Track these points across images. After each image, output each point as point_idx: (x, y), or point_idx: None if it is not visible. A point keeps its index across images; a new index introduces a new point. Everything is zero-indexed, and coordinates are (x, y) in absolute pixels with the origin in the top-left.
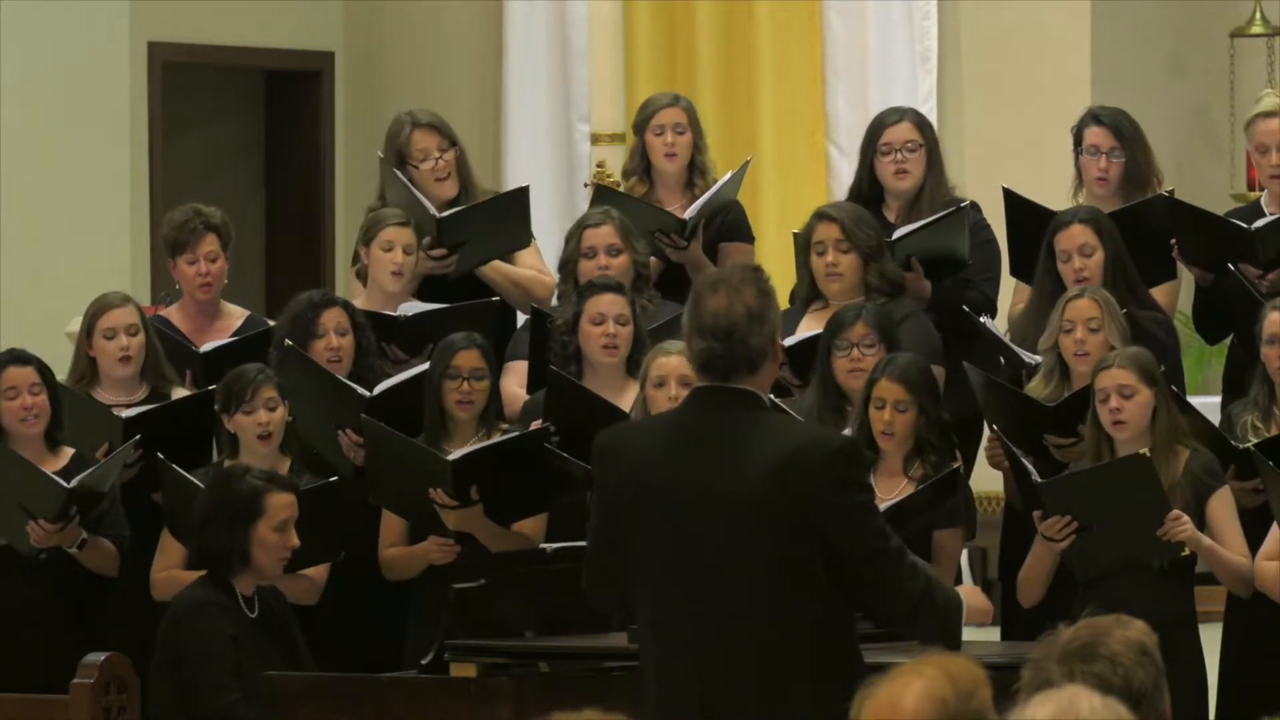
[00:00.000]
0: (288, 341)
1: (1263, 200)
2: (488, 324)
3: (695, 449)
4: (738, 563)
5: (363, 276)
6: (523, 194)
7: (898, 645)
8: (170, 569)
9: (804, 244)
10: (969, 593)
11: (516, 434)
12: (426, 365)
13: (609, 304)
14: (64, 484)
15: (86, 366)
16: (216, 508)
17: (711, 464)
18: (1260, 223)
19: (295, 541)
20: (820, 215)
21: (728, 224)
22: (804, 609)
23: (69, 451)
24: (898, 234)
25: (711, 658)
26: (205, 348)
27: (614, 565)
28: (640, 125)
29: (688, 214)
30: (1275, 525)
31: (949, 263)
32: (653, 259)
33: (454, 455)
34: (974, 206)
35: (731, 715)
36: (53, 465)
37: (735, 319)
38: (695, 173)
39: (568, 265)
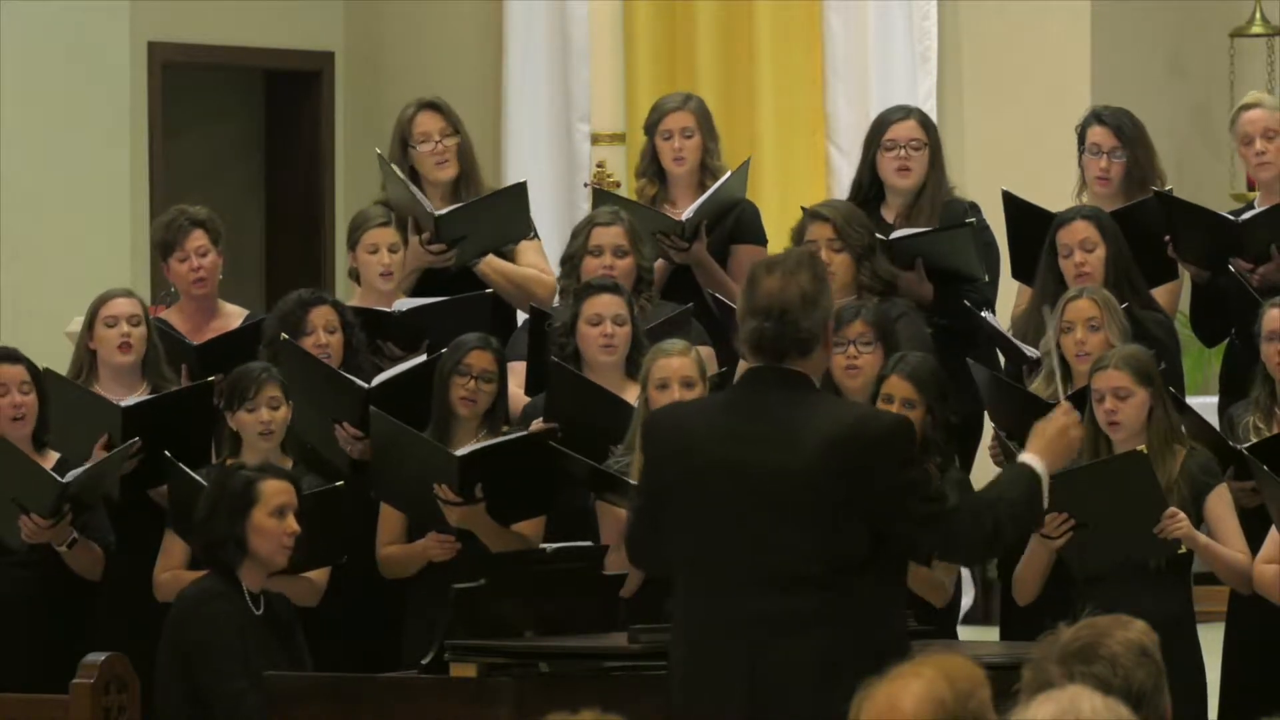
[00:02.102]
0: (283, 335)
1: (1257, 200)
2: (483, 316)
3: (746, 428)
4: (788, 541)
5: (355, 276)
6: (521, 189)
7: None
8: (174, 569)
9: (796, 244)
10: (1039, 457)
11: (524, 433)
12: (424, 358)
13: (606, 304)
14: (58, 479)
15: (87, 360)
16: (214, 504)
17: (762, 443)
18: (1247, 215)
19: (294, 527)
20: (812, 214)
21: (740, 225)
22: (853, 587)
23: (54, 456)
24: (896, 234)
25: (760, 636)
26: (200, 342)
27: (656, 542)
28: (650, 128)
29: (685, 215)
30: (1274, 528)
31: (960, 277)
32: (659, 261)
33: (462, 451)
34: (973, 207)
35: (778, 694)
36: None
37: (789, 300)
38: (706, 174)
39: (572, 260)
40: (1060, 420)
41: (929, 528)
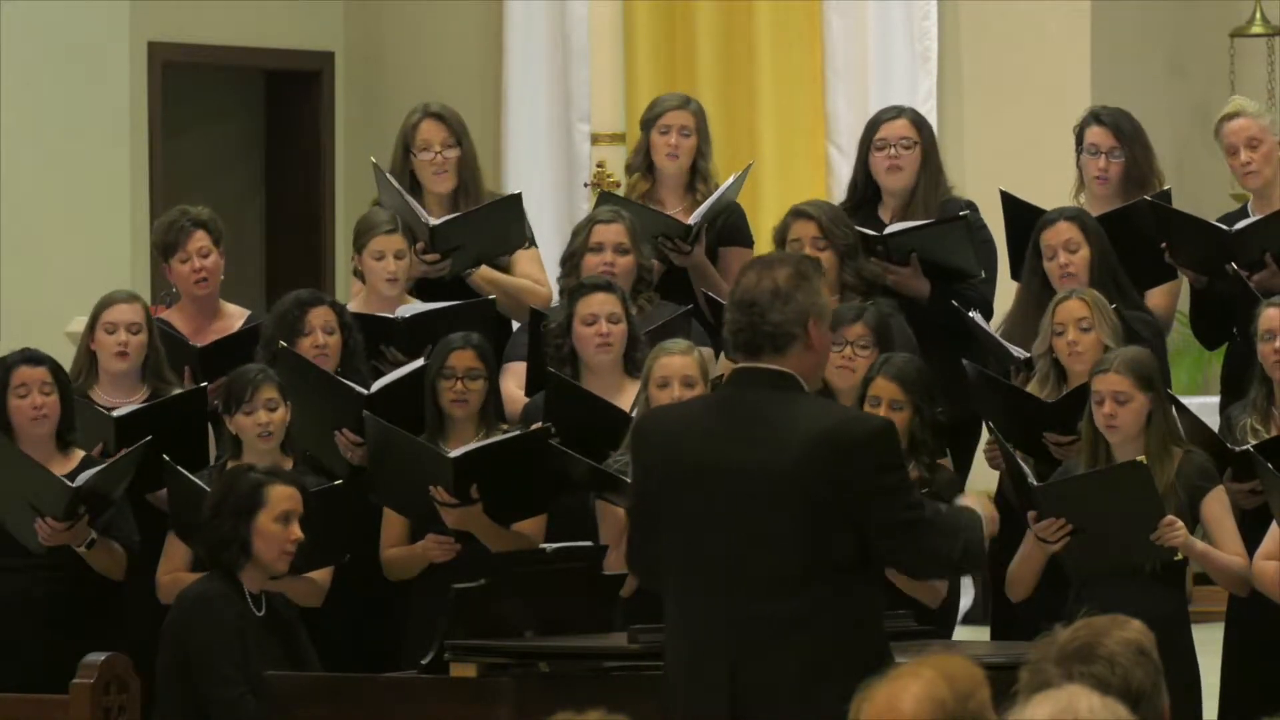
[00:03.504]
0: (282, 343)
1: (1250, 205)
2: (486, 322)
3: (730, 429)
4: (771, 542)
5: (359, 275)
6: (516, 200)
7: (904, 645)
8: (175, 571)
9: (779, 242)
10: (978, 504)
11: (518, 433)
12: (421, 362)
13: (600, 303)
14: (68, 483)
15: (87, 363)
16: (221, 503)
17: (745, 443)
18: (1240, 225)
19: (298, 535)
20: (797, 213)
21: (727, 228)
22: (838, 591)
23: (79, 454)
24: (890, 229)
25: (744, 639)
26: (203, 344)
27: (648, 549)
28: (647, 123)
29: (692, 219)
30: (1275, 525)
31: (957, 274)
32: (654, 261)
33: (455, 453)
34: (971, 206)
35: (762, 698)
36: (63, 467)
37: (758, 294)
38: (697, 176)
39: (573, 259)
40: (984, 509)
41: (906, 536)
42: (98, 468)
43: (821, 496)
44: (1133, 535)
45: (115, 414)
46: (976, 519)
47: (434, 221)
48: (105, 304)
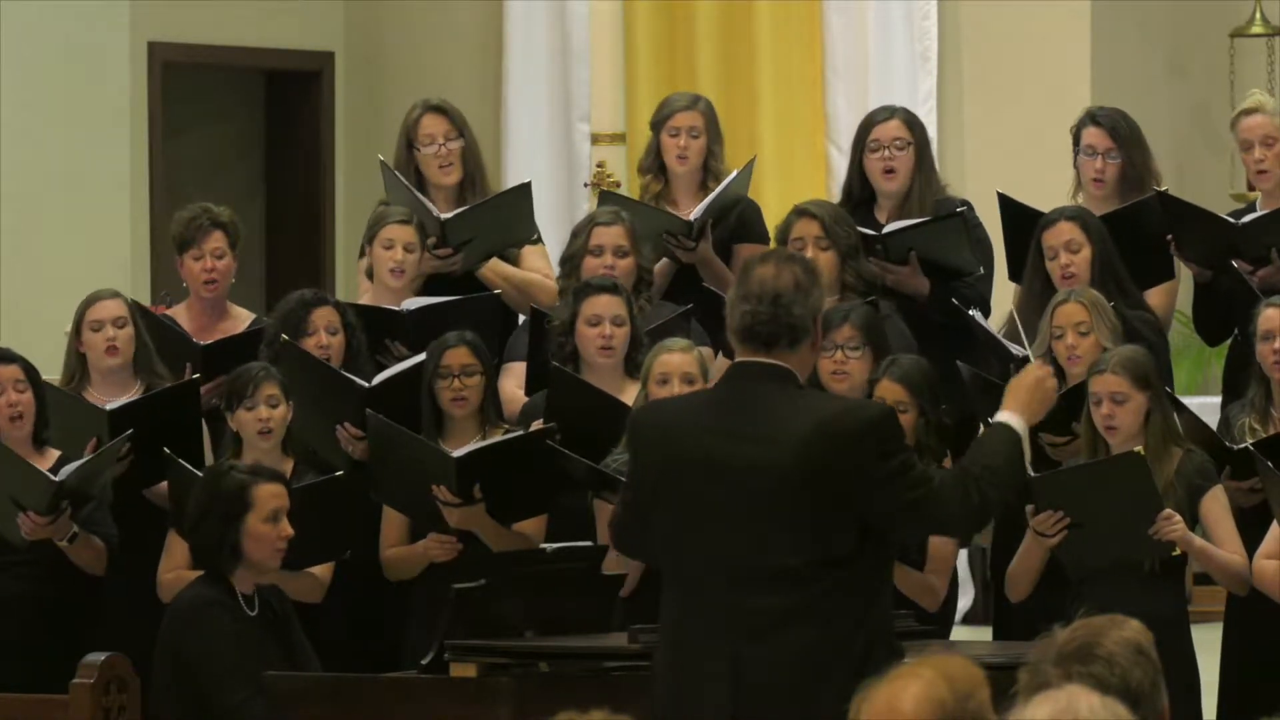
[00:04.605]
0: (284, 336)
1: (1258, 200)
2: (491, 316)
3: (731, 423)
4: (772, 538)
5: (369, 273)
6: (525, 189)
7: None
8: (177, 569)
9: (781, 240)
10: (1015, 414)
11: (521, 433)
12: (423, 356)
13: (605, 305)
14: (52, 477)
15: (77, 364)
16: (206, 506)
17: (745, 437)
18: (1247, 218)
19: (288, 531)
20: (800, 212)
21: (742, 224)
22: (839, 586)
23: (54, 453)
24: (888, 228)
25: (744, 634)
26: (206, 342)
27: (642, 530)
28: (657, 124)
29: (693, 215)
30: (1275, 524)
31: (955, 272)
32: (664, 260)
33: (459, 453)
34: (965, 204)
35: (763, 693)
36: (40, 464)
37: (782, 286)
38: (709, 175)
39: (572, 260)
40: (1034, 373)
41: (918, 512)
42: (79, 462)
43: (824, 489)
44: (1131, 529)
45: (108, 408)
46: (1013, 436)
47: (445, 215)
48: (88, 303)
